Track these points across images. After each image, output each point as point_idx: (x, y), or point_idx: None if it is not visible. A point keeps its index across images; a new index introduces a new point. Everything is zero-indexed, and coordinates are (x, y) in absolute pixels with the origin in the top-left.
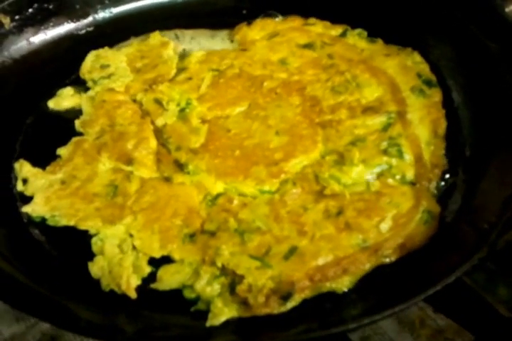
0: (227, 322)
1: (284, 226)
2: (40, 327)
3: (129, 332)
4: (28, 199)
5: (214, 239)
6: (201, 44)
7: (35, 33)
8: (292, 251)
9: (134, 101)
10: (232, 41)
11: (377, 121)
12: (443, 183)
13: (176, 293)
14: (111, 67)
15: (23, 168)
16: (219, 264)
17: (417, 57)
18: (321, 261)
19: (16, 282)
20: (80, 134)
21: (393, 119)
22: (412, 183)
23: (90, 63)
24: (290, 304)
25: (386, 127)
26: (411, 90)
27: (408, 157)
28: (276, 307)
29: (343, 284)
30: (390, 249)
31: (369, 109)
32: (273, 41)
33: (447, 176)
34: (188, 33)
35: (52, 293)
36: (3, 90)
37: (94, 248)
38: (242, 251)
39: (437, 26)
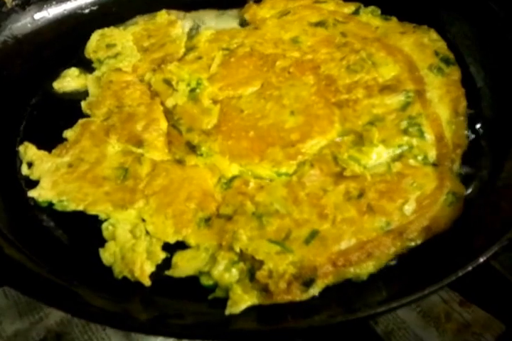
0: (247, 310)
1: (303, 209)
2: (45, 323)
3: (143, 319)
4: (33, 184)
5: (231, 223)
6: (209, 23)
7: (38, 12)
8: (313, 235)
9: (142, 81)
10: (241, 20)
11: (395, 100)
12: (466, 164)
13: (192, 280)
14: (117, 46)
15: (28, 151)
16: (237, 249)
17: (433, 34)
18: (343, 245)
19: (25, 269)
20: (87, 116)
21: (412, 98)
22: (434, 164)
23: (96, 42)
24: (313, 290)
25: (405, 106)
26: (429, 68)
27: (429, 137)
28: (298, 294)
29: (368, 269)
30: (414, 232)
31: (386, 88)
32: (284, 19)
33: (470, 156)
34: (196, 12)
35: (63, 280)
36: (6, 71)
37: (105, 233)
38: (261, 236)
39: (453, 2)
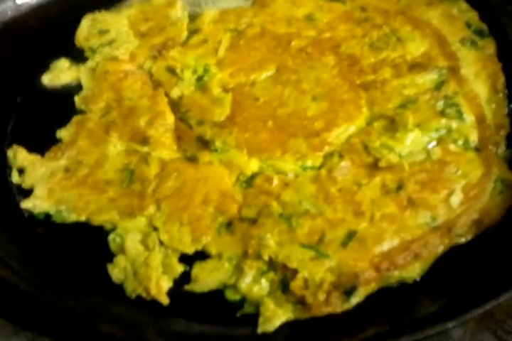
0: (281, 327)
1: (336, 207)
2: (42, 340)
3: None
4: (27, 193)
5: (255, 227)
6: (211, 2)
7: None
8: (350, 236)
9: (142, 70)
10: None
11: (427, 78)
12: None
13: (216, 295)
14: (111, 32)
15: (18, 156)
16: (265, 257)
17: (462, 4)
18: (386, 246)
19: (21, 293)
20: (82, 112)
21: (445, 76)
22: (477, 149)
23: (87, 29)
24: (354, 300)
25: (439, 85)
26: (461, 42)
27: (469, 118)
28: (339, 305)
29: (414, 272)
30: (464, 227)
31: (416, 66)
32: None
33: None
34: None
35: (66, 304)
36: None
37: (113, 246)
38: (292, 240)
39: None
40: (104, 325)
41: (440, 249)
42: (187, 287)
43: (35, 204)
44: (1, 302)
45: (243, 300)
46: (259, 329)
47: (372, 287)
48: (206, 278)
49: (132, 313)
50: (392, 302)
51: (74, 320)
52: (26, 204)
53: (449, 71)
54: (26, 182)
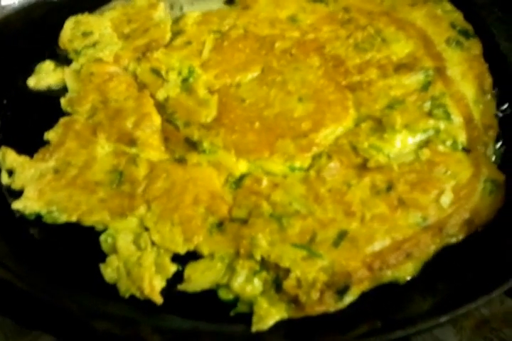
0: (275, 326)
1: (327, 207)
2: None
3: None
4: (18, 194)
5: (246, 227)
6: (193, 4)
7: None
8: (342, 235)
9: (126, 71)
10: (228, 0)
11: (414, 79)
12: (500, 147)
13: (209, 295)
14: (94, 34)
15: (7, 157)
16: (257, 257)
17: (447, 5)
18: (377, 246)
19: (16, 291)
20: (68, 114)
21: (432, 77)
22: (466, 149)
23: (70, 31)
24: (348, 299)
25: (426, 86)
26: (446, 43)
27: (457, 119)
28: (332, 304)
29: (406, 272)
30: (455, 227)
31: (402, 67)
32: None
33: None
34: None
35: (60, 302)
36: None
37: (105, 246)
38: (283, 240)
39: None
40: (98, 322)
41: (432, 249)
42: (180, 287)
43: (26, 205)
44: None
45: (236, 299)
46: (253, 328)
47: (365, 286)
48: (199, 277)
49: (126, 311)
50: (385, 301)
51: (68, 317)
52: (17, 205)
53: (435, 72)
54: (16, 184)
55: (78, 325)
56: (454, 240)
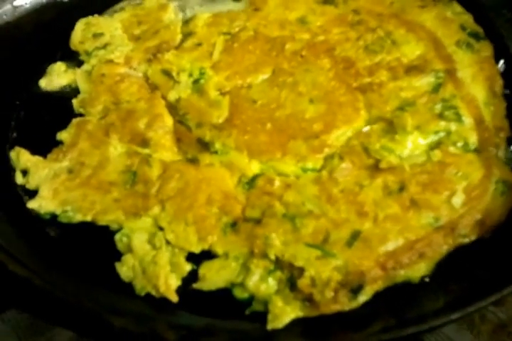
0: (290, 324)
1: (339, 207)
2: None
3: (170, 339)
4: (32, 193)
5: (260, 227)
6: (203, 6)
7: (15, 2)
8: (355, 236)
9: (137, 73)
10: (238, 1)
11: (424, 81)
12: None
13: (224, 293)
14: (105, 35)
15: (21, 157)
16: (272, 256)
17: (456, 7)
18: (390, 246)
19: (34, 288)
20: (80, 115)
21: (442, 79)
22: (477, 151)
23: (81, 32)
24: (361, 298)
25: (436, 88)
26: (456, 45)
27: (468, 120)
28: (346, 303)
29: (419, 271)
30: (467, 227)
31: (413, 69)
32: None
33: None
34: None
35: (77, 299)
36: None
37: (120, 245)
38: (297, 239)
39: None
40: (115, 318)
41: (444, 249)
42: (195, 285)
43: (41, 204)
44: (15, 295)
45: (251, 298)
46: (269, 326)
47: (379, 286)
48: (213, 276)
49: (142, 308)
50: (398, 300)
51: (86, 313)
52: (32, 205)
53: (445, 74)
54: (31, 183)
55: (95, 321)
56: (466, 240)
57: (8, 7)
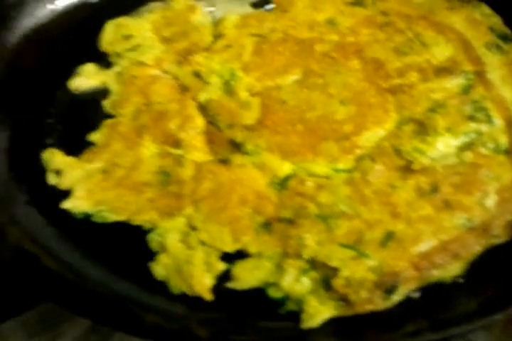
0: (323, 323)
1: (372, 208)
2: None
3: (203, 336)
4: (65, 194)
5: (294, 227)
6: (228, 8)
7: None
8: (389, 236)
9: (167, 75)
10: (264, 3)
11: (454, 83)
12: None
13: (257, 292)
14: (135, 37)
15: (55, 158)
16: (306, 256)
17: (485, 9)
18: (424, 247)
19: (68, 283)
20: (111, 116)
21: (472, 80)
22: (507, 152)
23: (111, 34)
24: (395, 298)
25: (466, 89)
26: (486, 47)
27: (498, 122)
28: (379, 303)
29: (452, 271)
30: (499, 228)
31: (442, 70)
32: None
33: None
34: None
35: (109, 294)
36: (16, 74)
37: (153, 245)
38: (331, 240)
39: None
40: (147, 315)
41: (477, 249)
42: (229, 284)
43: (75, 204)
44: (49, 289)
45: (285, 297)
46: (303, 325)
47: (412, 285)
48: (247, 276)
49: (174, 306)
50: (431, 301)
51: (119, 310)
52: (67, 205)
53: (475, 75)
54: (63, 184)
55: (127, 316)
56: (498, 241)
57: (45, 10)
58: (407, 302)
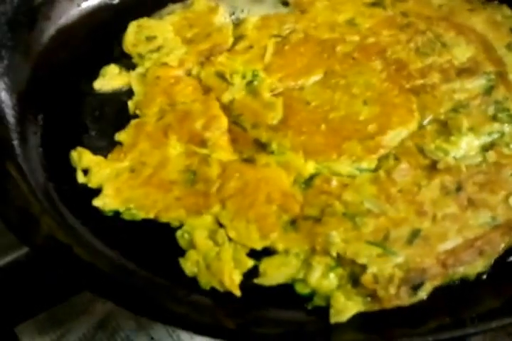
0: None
1: (398, 207)
2: (66, 340)
3: (232, 326)
4: (94, 192)
5: (320, 225)
6: (251, 9)
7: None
8: (415, 234)
9: (189, 75)
10: (283, 4)
11: (476, 83)
12: None
13: (284, 288)
14: (158, 38)
15: (83, 157)
16: (334, 253)
17: (506, 10)
18: (450, 244)
19: (102, 273)
20: (134, 116)
21: (494, 81)
22: None
23: (133, 35)
24: (421, 294)
25: (489, 90)
26: (507, 48)
27: None
28: (406, 299)
29: (477, 268)
30: None
31: (464, 71)
32: (334, 0)
33: None
34: None
35: (142, 287)
36: (44, 74)
37: (182, 242)
38: (358, 237)
39: None
40: (176, 306)
41: (501, 247)
42: (256, 280)
43: (105, 202)
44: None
45: (313, 293)
46: (332, 320)
47: (438, 281)
48: (274, 272)
49: (202, 300)
50: (454, 297)
51: (151, 301)
52: (97, 203)
53: (497, 76)
54: (93, 182)
55: (158, 308)
56: None
57: (71, 11)
58: (431, 297)
